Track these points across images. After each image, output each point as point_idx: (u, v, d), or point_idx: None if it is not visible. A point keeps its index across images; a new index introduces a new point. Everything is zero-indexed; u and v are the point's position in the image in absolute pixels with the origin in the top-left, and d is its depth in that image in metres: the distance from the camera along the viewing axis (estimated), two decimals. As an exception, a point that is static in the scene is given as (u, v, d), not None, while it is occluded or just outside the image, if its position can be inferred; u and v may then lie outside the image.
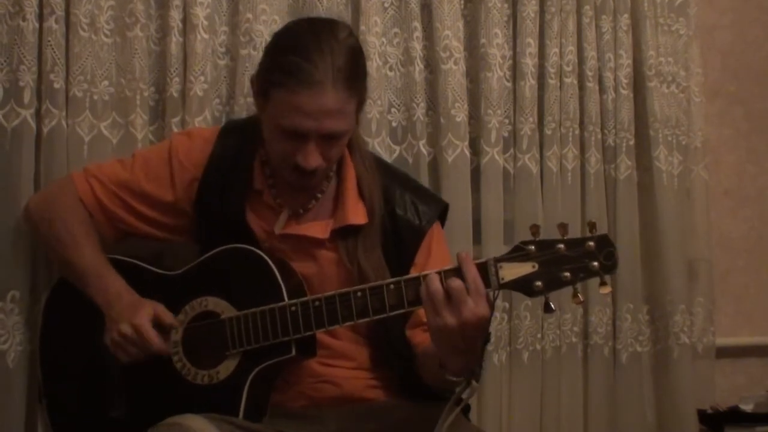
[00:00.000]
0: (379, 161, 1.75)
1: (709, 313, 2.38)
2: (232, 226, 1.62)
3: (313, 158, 1.52)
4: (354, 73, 1.51)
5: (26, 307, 1.80)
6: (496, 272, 1.41)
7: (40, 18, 1.82)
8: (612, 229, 2.29)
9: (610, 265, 1.39)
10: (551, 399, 2.22)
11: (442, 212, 1.72)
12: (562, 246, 1.39)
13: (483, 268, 1.41)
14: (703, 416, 2.30)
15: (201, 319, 1.58)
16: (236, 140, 1.67)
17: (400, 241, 1.64)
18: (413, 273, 1.58)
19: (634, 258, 2.29)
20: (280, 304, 1.51)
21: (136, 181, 1.68)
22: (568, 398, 2.24)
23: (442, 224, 1.73)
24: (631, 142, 2.31)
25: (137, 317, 1.54)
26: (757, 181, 2.60)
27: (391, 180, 1.69)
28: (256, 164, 1.64)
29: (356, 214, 1.61)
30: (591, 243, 1.39)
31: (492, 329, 2.13)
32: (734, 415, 2.29)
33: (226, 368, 1.54)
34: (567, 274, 1.39)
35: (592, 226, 1.40)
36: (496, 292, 1.41)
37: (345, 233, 1.62)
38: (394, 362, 1.62)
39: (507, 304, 2.18)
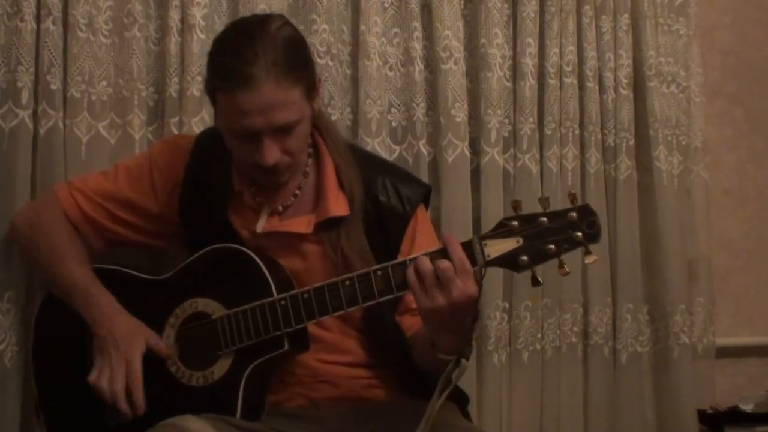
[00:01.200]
0: (354, 149, 1.74)
1: (709, 313, 2.38)
2: (217, 229, 1.62)
3: (270, 154, 1.51)
4: (291, 62, 1.50)
5: (23, 308, 1.80)
6: (482, 249, 1.41)
7: (38, 19, 1.81)
8: (612, 229, 2.29)
9: (593, 234, 1.39)
10: (551, 399, 2.22)
11: (425, 195, 1.71)
12: (544, 219, 1.39)
13: (468, 247, 1.41)
14: (703, 416, 2.30)
15: (192, 321, 1.58)
16: (213, 146, 1.67)
17: (384, 228, 1.63)
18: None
19: (634, 258, 2.29)
20: (270, 299, 1.51)
21: (120, 191, 1.69)
22: (568, 398, 2.23)
23: (426, 207, 1.73)
24: (631, 142, 2.31)
25: (133, 355, 1.54)
26: (757, 181, 2.60)
27: (370, 167, 1.68)
28: (233, 166, 1.65)
29: (338, 205, 1.61)
30: (573, 213, 1.39)
31: (492, 329, 2.14)
32: (734, 415, 2.28)
33: (220, 368, 1.54)
34: (551, 246, 1.39)
35: (573, 197, 1.40)
36: (484, 269, 1.42)
37: (328, 225, 1.61)
38: (391, 352, 1.62)
39: (507, 305, 2.18)
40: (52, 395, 1.68)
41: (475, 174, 2.17)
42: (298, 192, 1.64)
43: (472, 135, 2.17)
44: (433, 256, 1.41)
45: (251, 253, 1.55)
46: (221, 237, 1.60)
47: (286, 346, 1.51)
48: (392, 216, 1.64)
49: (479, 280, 1.41)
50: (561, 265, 1.40)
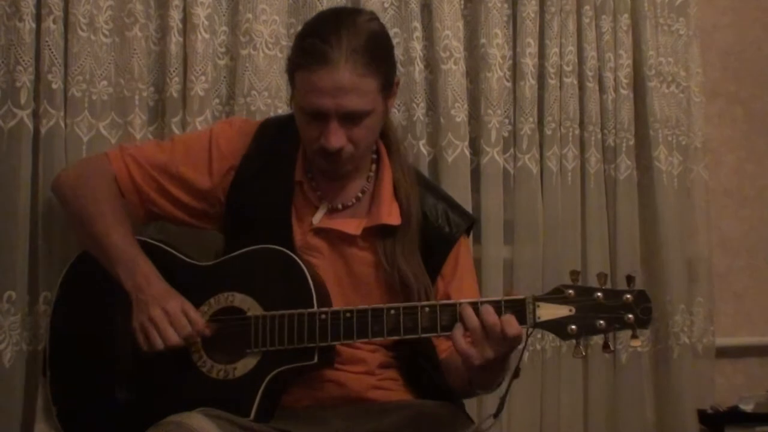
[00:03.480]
0: (417, 171, 1.78)
1: (709, 313, 2.38)
2: (270, 216, 1.62)
3: (335, 138, 1.53)
4: (373, 54, 1.53)
5: (23, 308, 1.79)
6: (534, 311, 1.44)
7: (38, 18, 1.81)
8: (612, 229, 2.29)
9: (645, 320, 1.44)
10: (551, 399, 2.22)
11: (470, 225, 1.75)
12: (600, 294, 1.44)
13: (521, 305, 1.45)
14: (703, 416, 2.30)
15: (225, 314, 1.57)
16: (277, 134, 1.69)
17: (428, 246, 1.65)
18: (440, 284, 1.65)
19: (634, 258, 2.29)
20: (310, 310, 1.51)
21: (174, 164, 1.68)
22: (568, 398, 2.23)
23: (468, 237, 1.76)
24: (631, 142, 2.31)
25: (169, 304, 1.53)
26: (757, 181, 2.60)
27: (425, 188, 1.72)
28: (299, 157, 1.66)
29: (390, 214, 1.63)
30: (629, 296, 1.44)
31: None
32: (734, 415, 2.28)
33: (243, 366, 1.53)
34: (602, 322, 1.43)
35: (631, 279, 1.45)
36: (531, 330, 1.45)
37: (381, 234, 1.63)
38: (422, 364, 1.63)
39: (507, 304, 2.17)
40: (65, 357, 1.66)
41: (475, 174, 2.17)
42: (360, 195, 1.66)
43: (472, 135, 2.17)
44: (483, 304, 1.45)
45: (300, 261, 1.55)
46: (272, 227, 1.60)
47: (316, 360, 1.51)
48: (437, 236, 1.67)
49: (525, 340, 1.45)
50: (606, 343, 1.46)
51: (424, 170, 2.10)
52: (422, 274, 1.61)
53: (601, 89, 2.28)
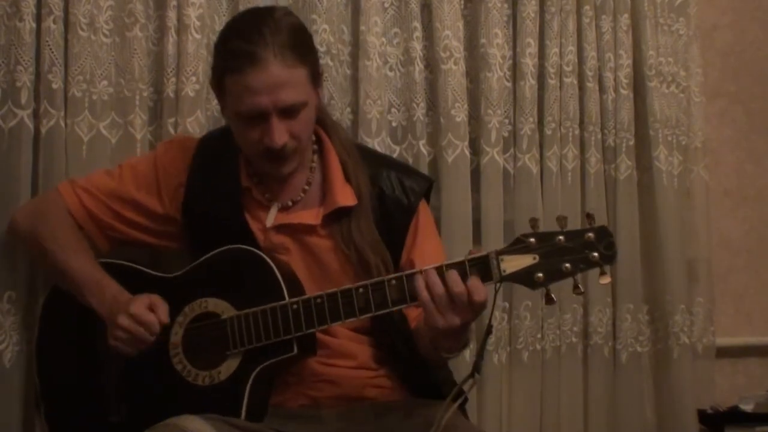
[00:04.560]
0: (358, 146, 1.78)
1: (709, 313, 2.38)
2: (229, 225, 1.63)
3: (278, 135, 1.54)
4: (297, 45, 1.55)
5: (23, 308, 1.80)
6: (498, 265, 1.42)
7: (39, 18, 1.81)
8: (612, 229, 2.26)
9: (609, 255, 1.41)
10: (551, 399, 2.22)
11: (428, 188, 1.74)
12: (561, 238, 1.41)
13: (484, 261, 1.43)
14: (703, 416, 2.30)
15: (201, 320, 1.58)
16: (217, 146, 1.70)
17: (389, 220, 1.66)
18: (404, 255, 1.64)
19: (633, 258, 2.29)
20: (282, 302, 1.51)
21: (125, 189, 1.69)
22: (568, 398, 2.23)
23: (427, 201, 1.75)
24: (631, 142, 2.30)
25: (132, 307, 1.54)
26: (757, 181, 2.60)
27: (373, 161, 1.71)
28: (241, 163, 1.66)
29: (345, 196, 1.63)
30: (590, 234, 1.41)
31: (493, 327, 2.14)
32: (734, 415, 2.28)
33: (227, 368, 1.54)
34: (567, 265, 1.41)
35: (590, 217, 1.42)
36: (498, 284, 1.43)
37: (338, 218, 1.63)
38: (397, 349, 1.63)
39: (507, 304, 2.18)
40: (55, 389, 1.68)
41: (475, 174, 2.17)
42: (306, 187, 1.66)
43: (472, 135, 2.17)
44: (447, 268, 1.43)
45: (264, 256, 1.56)
46: (232, 233, 1.61)
47: (296, 350, 1.52)
48: (397, 208, 1.67)
49: (494, 295, 1.43)
50: (576, 285, 1.43)
51: (424, 170, 2.10)
52: (379, 247, 1.61)
53: (601, 89, 2.28)
